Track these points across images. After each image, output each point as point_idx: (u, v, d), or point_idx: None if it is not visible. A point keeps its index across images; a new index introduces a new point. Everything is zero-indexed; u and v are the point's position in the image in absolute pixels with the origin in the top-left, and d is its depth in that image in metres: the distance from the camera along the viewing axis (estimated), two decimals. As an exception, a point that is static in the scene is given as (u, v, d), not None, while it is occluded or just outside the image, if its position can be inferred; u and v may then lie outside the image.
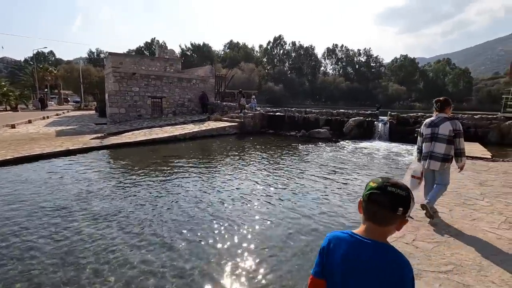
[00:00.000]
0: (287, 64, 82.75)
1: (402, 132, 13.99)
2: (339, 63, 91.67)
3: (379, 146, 12.80)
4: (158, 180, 6.85)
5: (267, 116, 17.29)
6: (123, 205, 5.14)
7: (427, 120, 3.67)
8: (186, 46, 71.64)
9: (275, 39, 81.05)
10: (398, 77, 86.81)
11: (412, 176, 3.43)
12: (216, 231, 4.21)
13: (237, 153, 10.68)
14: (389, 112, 14.88)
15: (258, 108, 18.77)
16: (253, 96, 17.45)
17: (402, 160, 9.84)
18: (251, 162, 9.18)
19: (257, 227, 4.40)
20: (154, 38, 68.29)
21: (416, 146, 4.00)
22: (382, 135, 14.10)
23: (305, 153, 11.03)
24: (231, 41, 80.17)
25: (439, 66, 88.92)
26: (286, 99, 62.70)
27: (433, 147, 3.49)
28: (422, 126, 3.72)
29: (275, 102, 57.57)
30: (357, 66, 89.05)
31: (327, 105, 74.59)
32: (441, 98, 3.62)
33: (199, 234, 4.10)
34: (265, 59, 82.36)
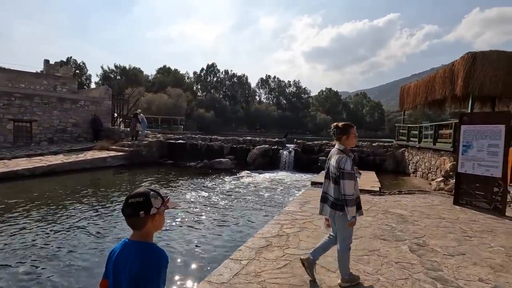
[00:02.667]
0: (221, 91, 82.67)
1: (307, 161, 13.11)
2: (272, 92, 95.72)
3: (281, 177, 11.54)
4: None
5: (167, 144, 14.98)
6: None
7: (330, 153, 2.84)
8: (109, 68, 65.99)
9: (208, 67, 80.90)
10: (324, 107, 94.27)
11: (326, 219, 2.86)
12: None
13: (89, 197, 8.02)
14: (295, 140, 14.02)
15: (159, 135, 16.30)
16: (141, 115, 14.64)
17: (298, 192, 8.52)
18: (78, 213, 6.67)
19: None
20: (71, 57, 61.33)
21: None
22: (287, 164, 12.98)
23: (189, 188, 8.97)
24: (164, 66, 77.26)
25: (357, 99, 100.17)
26: (217, 126, 61.25)
27: (327, 187, 2.75)
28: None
29: (206, 129, 55.54)
30: (289, 97, 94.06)
31: (262, 133, 75.62)
32: (339, 124, 2.74)
33: None
34: (198, 86, 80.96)
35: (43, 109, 15.13)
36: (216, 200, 7.75)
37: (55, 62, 22.25)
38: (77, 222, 5.71)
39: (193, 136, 15.88)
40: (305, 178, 11.24)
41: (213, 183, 10.10)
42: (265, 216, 6.47)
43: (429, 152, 10.22)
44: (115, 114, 20.04)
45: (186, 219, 6.04)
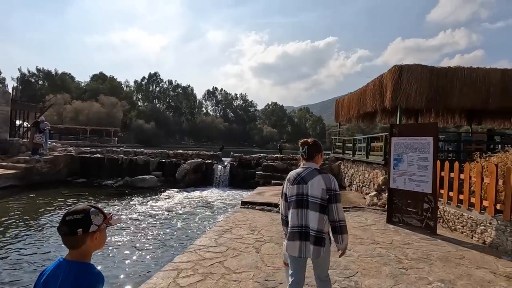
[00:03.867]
0: (164, 102, 78.59)
1: (244, 176, 12.09)
2: (219, 105, 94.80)
3: (213, 195, 10.28)
4: None
5: (79, 158, 12.56)
6: None
7: (291, 173, 2.23)
8: (29, 71, 57.51)
9: (150, 75, 76.46)
10: (270, 121, 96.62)
11: (285, 263, 2.39)
12: None
13: None
14: (231, 153, 12.95)
15: (70, 149, 13.70)
16: (43, 124, 11.90)
17: (224, 216, 7.32)
18: None
19: None
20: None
21: (281, 215, 2.31)
22: (221, 180, 11.77)
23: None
24: (100, 72, 70.47)
25: (301, 113, 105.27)
26: (159, 139, 57.42)
27: (304, 218, 2.07)
28: (285, 183, 2.23)
29: (146, 142, 51.48)
30: (236, 110, 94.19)
31: (208, 145, 73.49)
32: (309, 140, 2.28)
33: None
34: (139, 95, 75.74)
35: None
36: (117, 232, 6.12)
37: None
38: None
39: (115, 149, 13.69)
40: (240, 196, 10.17)
41: (128, 206, 8.37)
42: (173, 253, 5.12)
43: (362, 165, 10.08)
44: (18, 123, 16.54)
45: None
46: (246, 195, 9.55)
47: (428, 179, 5.29)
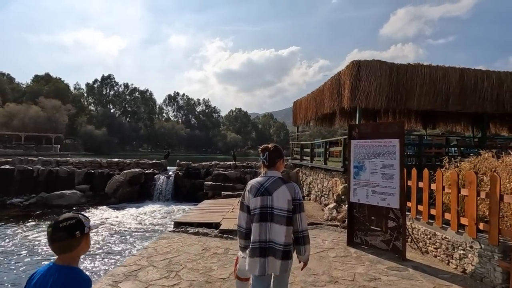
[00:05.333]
0: (120, 107, 73.33)
1: (191, 188, 10.53)
2: (181, 110, 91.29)
3: (150, 213, 8.57)
4: None
5: (-20, 171, 10.02)
6: None
7: (253, 183, 2.04)
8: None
9: (104, 78, 70.80)
10: (234, 127, 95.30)
11: (238, 278, 2.35)
12: None
13: None
14: (177, 161, 11.30)
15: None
16: None
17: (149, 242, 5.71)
18: None
19: None
20: None
21: (237, 227, 2.12)
22: (163, 193, 10.07)
23: None
24: (46, 74, 63.37)
25: (265, 120, 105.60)
26: (112, 146, 52.89)
27: (268, 232, 1.93)
28: (246, 193, 2.03)
29: (96, 149, 46.95)
30: (199, 115, 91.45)
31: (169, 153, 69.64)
32: (269, 146, 2.13)
33: None
34: (90, 99, 69.69)
35: None
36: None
37: None
38: None
39: (32, 158, 11.28)
40: (183, 212, 8.60)
41: (28, 234, 6.38)
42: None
43: (321, 172, 9.12)
44: None
45: None
46: (190, 210, 8.02)
47: (394, 191, 4.28)
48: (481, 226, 3.45)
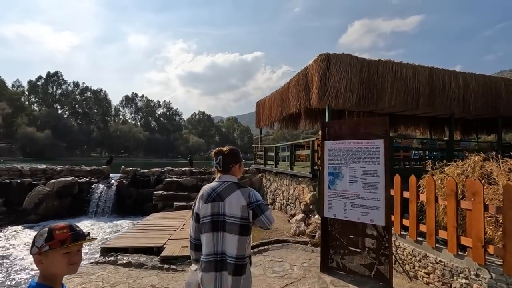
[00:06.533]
0: (69, 107, 66.82)
1: (137, 199, 9.01)
2: (140, 112, 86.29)
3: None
4: None
5: None
6: None
7: (205, 188, 1.83)
8: None
9: (50, 75, 63.90)
10: (197, 130, 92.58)
11: None
12: None
13: None
14: (122, 168, 9.68)
15: None
16: None
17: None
18: None
19: None
20: None
21: (189, 236, 1.89)
22: (101, 206, 8.43)
23: None
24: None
25: (229, 123, 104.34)
26: (57, 150, 47.54)
27: (221, 243, 1.71)
28: (197, 200, 1.83)
29: (38, 154, 41.72)
30: (159, 118, 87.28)
31: (125, 157, 65.35)
32: (224, 149, 1.89)
33: None
34: (32, 98, 62.38)
35: None
36: None
37: None
38: None
39: None
40: (125, 229, 7.11)
41: None
42: None
43: (286, 178, 8.25)
44: None
45: None
46: (129, 228, 6.56)
47: (379, 204, 3.46)
48: (490, 249, 2.71)
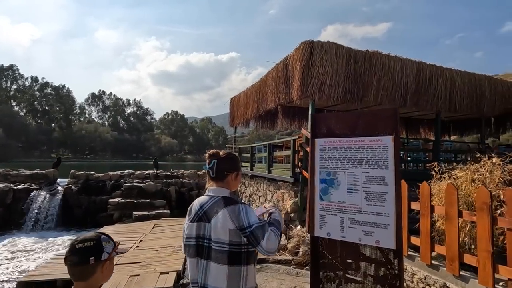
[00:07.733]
0: (27, 104, 61.34)
1: (89, 208, 7.68)
2: (107, 111, 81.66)
3: (5, 254, 5.54)
4: None
5: None
6: None
7: (195, 203, 1.53)
8: None
9: (3, 69, 58.05)
10: (170, 131, 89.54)
11: None
12: None
13: None
14: (72, 171, 8.27)
15: None
16: None
17: None
18: None
19: None
20: None
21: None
22: (42, 218, 7.02)
23: None
24: None
25: (203, 124, 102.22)
26: (11, 152, 43.17)
27: (202, 274, 1.42)
28: (187, 219, 1.53)
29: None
30: (129, 117, 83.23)
31: (90, 158, 61.35)
32: (220, 152, 1.59)
33: None
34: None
35: None
36: None
37: None
38: None
39: None
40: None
41: None
42: None
43: (264, 182, 7.40)
44: None
45: None
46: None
47: (387, 221, 2.64)
48: (547, 286, 1.99)
